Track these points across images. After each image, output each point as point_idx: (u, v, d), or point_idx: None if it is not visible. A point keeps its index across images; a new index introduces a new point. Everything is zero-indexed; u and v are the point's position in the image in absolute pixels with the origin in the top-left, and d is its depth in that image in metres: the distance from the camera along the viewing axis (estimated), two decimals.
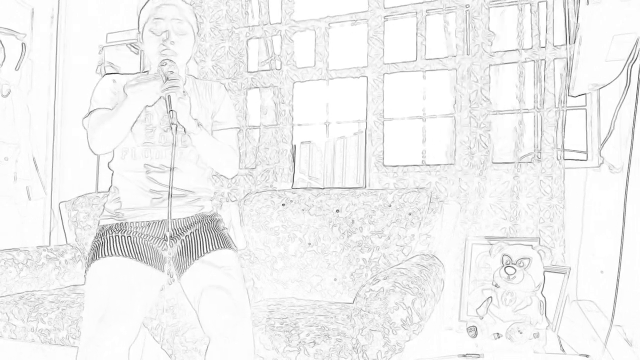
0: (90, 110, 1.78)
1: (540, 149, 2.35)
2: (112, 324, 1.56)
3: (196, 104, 1.86)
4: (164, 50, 1.75)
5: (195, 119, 1.73)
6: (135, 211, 1.81)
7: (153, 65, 1.84)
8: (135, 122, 1.75)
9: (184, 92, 1.69)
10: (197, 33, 1.89)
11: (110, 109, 1.76)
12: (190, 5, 1.89)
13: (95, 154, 1.79)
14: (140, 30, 1.83)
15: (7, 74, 3.01)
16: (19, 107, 3.04)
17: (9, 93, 2.98)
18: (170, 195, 1.72)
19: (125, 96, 1.68)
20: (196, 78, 1.97)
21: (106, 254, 1.71)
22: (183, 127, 1.69)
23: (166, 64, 1.68)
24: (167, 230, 1.79)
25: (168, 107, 1.63)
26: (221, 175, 2.33)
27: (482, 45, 2.44)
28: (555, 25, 2.36)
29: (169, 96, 1.63)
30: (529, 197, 2.35)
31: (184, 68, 1.88)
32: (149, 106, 1.72)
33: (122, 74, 1.97)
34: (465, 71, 2.48)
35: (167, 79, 1.65)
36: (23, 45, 3.09)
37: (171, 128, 1.64)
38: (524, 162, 2.39)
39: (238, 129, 1.96)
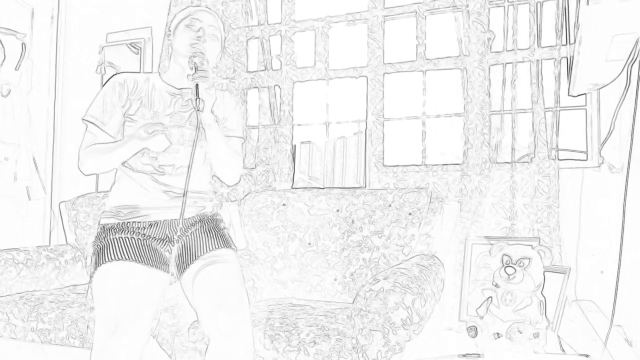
0: (87, 121, 1.82)
1: (535, 149, 2.35)
2: (124, 334, 1.57)
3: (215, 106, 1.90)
4: (195, 43, 1.81)
5: (214, 115, 1.78)
6: (136, 211, 1.81)
7: (178, 59, 1.85)
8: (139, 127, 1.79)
9: (211, 85, 1.78)
10: (223, 46, 1.95)
11: (104, 127, 1.81)
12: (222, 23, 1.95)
13: (83, 173, 1.87)
14: (173, 26, 1.88)
15: (7, 74, 3.01)
16: (19, 107, 3.03)
17: (9, 93, 2.98)
18: (185, 194, 1.74)
19: (132, 138, 1.74)
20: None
21: (112, 257, 1.71)
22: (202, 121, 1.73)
23: (197, 55, 1.76)
24: (177, 227, 1.80)
25: (195, 94, 1.70)
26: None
27: (482, 45, 2.45)
28: (554, 25, 2.36)
29: (197, 85, 1.71)
30: (525, 196, 2.36)
31: None
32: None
33: (134, 72, 1.99)
34: (466, 71, 2.48)
35: (197, 69, 1.72)
36: (23, 45, 3.09)
37: (196, 115, 1.72)
38: (519, 162, 2.39)
39: (243, 140, 2.00)
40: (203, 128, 1.76)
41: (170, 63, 1.91)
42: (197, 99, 1.70)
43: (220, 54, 1.94)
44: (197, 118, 1.72)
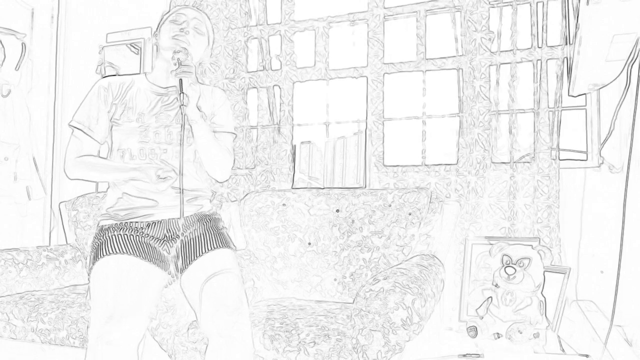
0: (73, 126, 1.82)
1: (535, 149, 2.35)
2: (120, 322, 1.57)
3: (202, 101, 1.90)
4: (178, 35, 1.81)
5: (200, 111, 1.77)
6: (134, 212, 1.81)
7: (163, 55, 1.85)
8: (130, 120, 1.81)
9: (195, 80, 1.77)
10: (211, 43, 1.94)
11: (90, 133, 1.81)
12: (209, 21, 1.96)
13: (67, 177, 1.86)
14: (160, 24, 1.89)
15: (7, 74, 3.01)
16: (19, 107, 3.03)
17: (9, 93, 2.98)
18: (182, 191, 1.75)
19: (128, 170, 1.77)
20: (200, 83, 1.98)
21: (110, 251, 1.71)
22: (187, 115, 1.73)
23: (180, 51, 1.75)
24: (179, 225, 1.80)
25: (179, 89, 1.70)
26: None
27: (481, 45, 2.44)
28: (554, 26, 2.36)
29: (181, 80, 1.70)
30: (526, 197, 2.35)
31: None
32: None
33: (120, 75, 1.99)
34: (465, 71, 2.48)
35: (180, 64, 1.72)
36: (23, 45, 3.09)
37: (180, 110, 1.72)
38: (518, 163, 2.39)
39: (234, 136, 1.99)
40: (189, 124, 1.76)
41: (156, 62, 1.90)
42: (181, 94, 1.69)
43: (208, 51, 1.92)
44: (182, 114, 1.72)
